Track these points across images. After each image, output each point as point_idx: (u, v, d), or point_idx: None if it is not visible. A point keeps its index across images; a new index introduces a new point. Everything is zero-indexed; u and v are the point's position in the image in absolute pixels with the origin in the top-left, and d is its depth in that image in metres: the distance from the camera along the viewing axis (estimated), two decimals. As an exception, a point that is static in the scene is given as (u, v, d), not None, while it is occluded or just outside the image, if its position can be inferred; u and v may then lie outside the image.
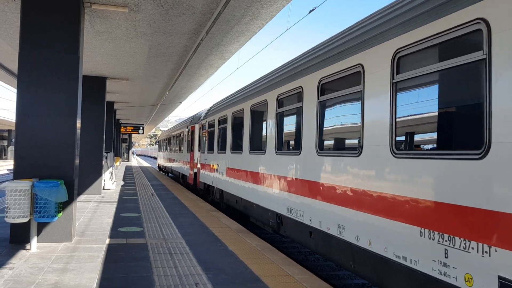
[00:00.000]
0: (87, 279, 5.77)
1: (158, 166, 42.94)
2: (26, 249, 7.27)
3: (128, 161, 60.63)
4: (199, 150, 18.32)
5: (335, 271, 9.05)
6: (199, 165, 18.19)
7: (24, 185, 7.02)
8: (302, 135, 7.55)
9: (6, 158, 70.36)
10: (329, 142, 6.90)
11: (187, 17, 9.27)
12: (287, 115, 8.56)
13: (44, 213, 7.10)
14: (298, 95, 7.85)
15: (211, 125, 15.81)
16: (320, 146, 6.93)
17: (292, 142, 8.43)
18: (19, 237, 7.63)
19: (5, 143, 74.16)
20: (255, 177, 10.03)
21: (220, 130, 14.08)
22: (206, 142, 16.61)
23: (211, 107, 17.07)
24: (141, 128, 40.87)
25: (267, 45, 15.48)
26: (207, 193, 16.79)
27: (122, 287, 5.51)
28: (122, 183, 22.44)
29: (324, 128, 6.92)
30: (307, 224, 7.16)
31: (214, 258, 7.14)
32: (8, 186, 6.94)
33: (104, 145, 16.74)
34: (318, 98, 6.98)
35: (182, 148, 24.13)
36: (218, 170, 14.07)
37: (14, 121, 7.88)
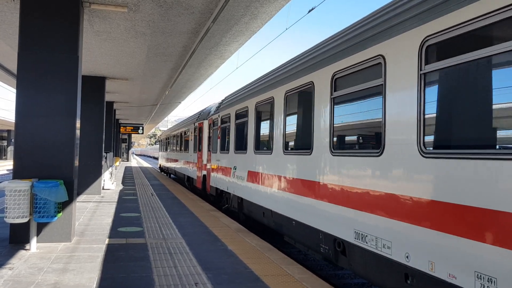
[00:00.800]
0: (87, 279, 5.77)
1: (160, 167, 40.57)
2: (26, 249, 7.26)
3: (127, 161, 60.61)
4: (209, 150, 16.11)
5: (335, 271, 9.05)
6: (209, 167, 15.92)
7: (24, 185, 7.01)
8: (385, 127, 5.15)
9: (6, 158, 70.33)
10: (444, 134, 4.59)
11: (186, 17, 9.26)
12: (349, 100, 6.20)
13: (44, 213, 7.10)
14: (378, 67, 5.46)
15: (224, 121, 13.55)
16: (426, 142, 4.60)
17: (363, 137, 6.14)
18: (18, 237, 7.63)
19: (5, 143, 74.11)
20: (296, 185, 7.69)
21: (238, 125, 11.89)
22: (219, 140, 14.30)
23: (224, 100, 14.76)
24: (141, 128, 40.85)
25: (267, 45, 15.49)
26: (219, 200, 14.62)
27: (122, 287, 5.51)
28: (121, 186, 22.43)
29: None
30: (398, 262, 4.81)
31: (214, 257, 7.14)
32: (7, 186, 6.94)
33: (103, 145, 16.73)
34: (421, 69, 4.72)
35: (187, 148, 21.97)
36: (235, 174, 11.86)
37: (14, 121, 7.87)
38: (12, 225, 7.59)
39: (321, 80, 6.89)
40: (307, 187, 7.25)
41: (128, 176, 28.18)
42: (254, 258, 7.18)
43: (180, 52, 12.42)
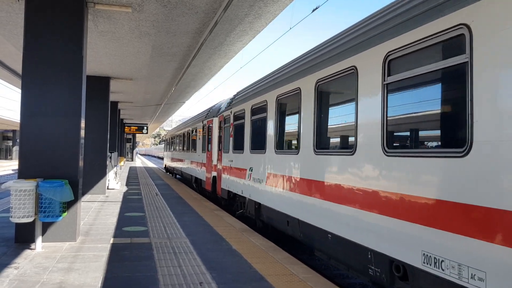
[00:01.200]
0: (92, 278, 5.79)
1: (165, 167, 39.38)
2: (31, 249, 7.30)
3: (132, 160, 60.76)
4: (219, 149, 14.92)
5: (340, 270, 9.03)
6: (220, 168, 14.65)
7: (29, 185, 7.04)
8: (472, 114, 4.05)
9: (11, 158, 70.71)
10: None
11: (190, 17, 9.27)
12: (409, 87, 5.06)
13: (49, 213, 7.13)
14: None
15: (238, 117, 12.31)
16: None
17: (430, 133, 5.08)
18: (24, 236, 7.67)
19: (10, 143, 74.53)
20: (334, 192, 6.45)
21: (255, 122, 10.66)
22: (231, 139, 13.02)
23: (237, 94, 13.40)
24: (145, 127, 40.94)
25: (270, 44, 15.45)
26: (231, 203, 13.45)
27: (126, 286, 5.52)
28: (125, 188, 22.49)
29: None
30: None
31: (218, 257, 7.14)
32: (13, 186, 6.97)
33: (108, 144, 16.79)
34: None
35: (195, 147, 20.85)
36: (252, 176, 10.61)
37: (19, 121, 7.91)
38: (17, 224, 7.63)
39: (368, 63, 5.77)
40: (350, 195, 5.99)
41: (133, 176, 28.25)
42: (258, 257, 7.18)
43: (184, 52, 12.44)
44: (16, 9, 8.85)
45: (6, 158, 72.99)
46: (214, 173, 15.77)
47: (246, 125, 11.35)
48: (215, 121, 16.16)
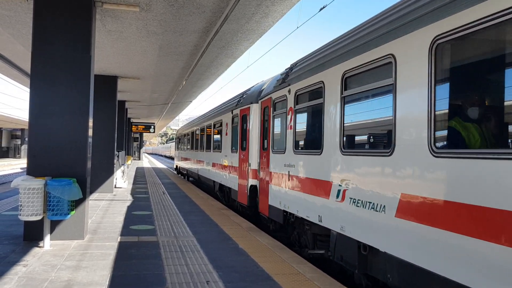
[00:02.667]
0: (100, 276, 5.82)
1: (176, 169, 34.36)
2: (40, 247, 7.35)
3: (139, 159, 61.00)
4: (263, 149, 10.81)
5: (346, 270, 9.00)
6: (264, 176, 10.65)
7: (37, 183, 7.10)
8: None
9: (20, 157, 71.31)
10: None
11: (197, 16, 9.28)
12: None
13: (57, 211, 7.18)
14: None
15: (306, 97, 8.16)
16: None
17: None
18: (32, 234, 7.73)
19: (19, 142, 75.20)
20: None
21: (357, 99, 6.46)
22: (290, 132, 8.74)
23: (300, 61, 8.88)
24: (152, 127, 41.07)
25: (277, 43, 15.43)
26: (283, 228, 9.69)
27: (134, 284, 5.55)
28: (132, 187, 22.58)
29: None
30: None
31: (225, 256, 7.15)
32: (21, 185, 7.03)
33: (115, 143, 16.86)
34: None
35: (220, 146, 16.55)
36: (348, 196, 6.27)
37: (27, 120, 7.97)
38: (26, 222, 7.69)
39: None
40: None
41: (140, 175, 28.36)
42: (265, 256, 7.18)
43: (191, 51, 12.46)
44: (25, 9, 8.92)
45: (14, 157, 73.63)
46: (254, 182, 11.70)
47: (327, 109, 7.05)
48: (254, 109, 12.03)
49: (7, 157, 72.67)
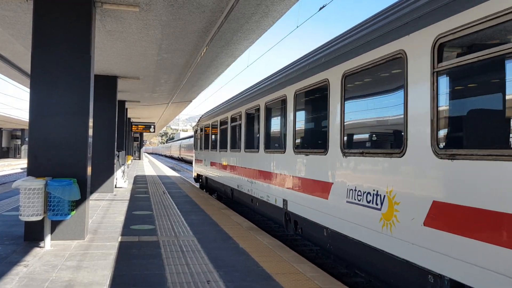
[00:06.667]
0: (100, 276, 5.83)
1: (197, 178, 22.95)
2: (40, 247, 7.36)
3: (139, 159, 60.96)
4: None
5: (347, 269, 9.01)
6: None
7: (38, 183, 7.10)
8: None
9: (20, 157, 71.34)
10: None
11: (197, 16, 9.28)
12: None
13: (58, 211, 7.19)
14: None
15: None
16: None
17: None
18: (33, 235, 7.74)
19: (19, 142, 75.23)
20: None
21: None
22: None
23: None
24: (152, 126, 41.05)
25: (277, 43, 15.43)
26: None
27: (134, 284, 5.55)
28: (132, 187, 22.55)
29: None
30: None
31: (226, 255, 7.16)
32: (22, 185, 7.03)
33: (116, 143, 16.86)
34: None
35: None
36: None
37: (28, 120, 7.97)
38: (26, 223, 7.70)
39: None
40: None
41: (140, 175, 28.35)
42: (265, 256, 7.18)
43: (191, 51, 12.46)
44: (24, 9, 8.92)
45: (15, 157, 73.67)
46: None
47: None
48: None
49: (7, 157, 72.70)
